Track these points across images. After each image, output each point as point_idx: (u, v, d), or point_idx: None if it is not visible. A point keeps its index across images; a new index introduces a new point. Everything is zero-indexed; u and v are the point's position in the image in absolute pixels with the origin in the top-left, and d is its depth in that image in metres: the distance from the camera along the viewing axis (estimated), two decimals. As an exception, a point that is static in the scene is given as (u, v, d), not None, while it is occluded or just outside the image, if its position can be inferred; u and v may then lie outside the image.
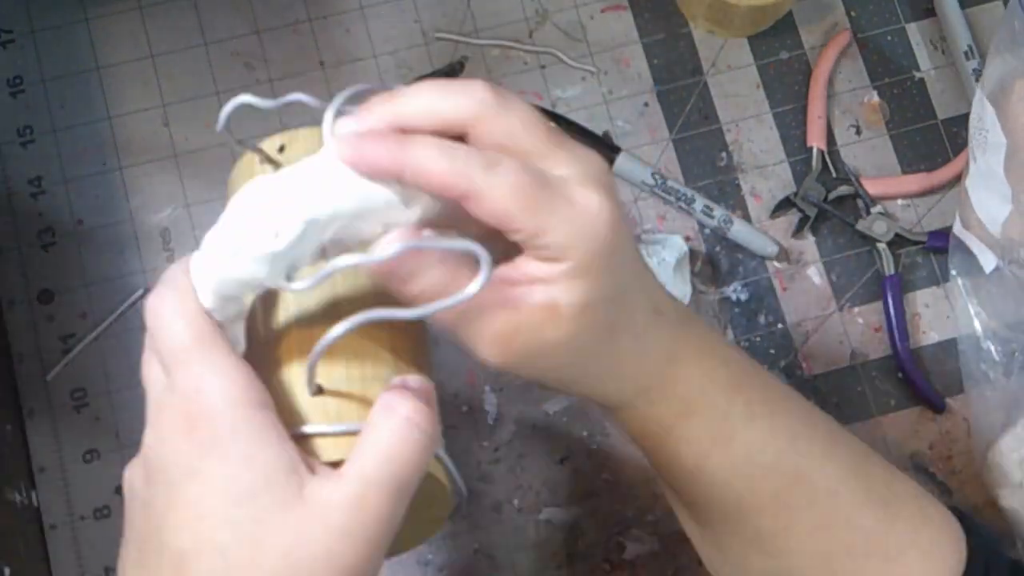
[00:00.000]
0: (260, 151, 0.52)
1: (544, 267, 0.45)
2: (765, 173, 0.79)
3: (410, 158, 0.43)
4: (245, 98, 0.47)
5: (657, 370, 0.50)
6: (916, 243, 0.77)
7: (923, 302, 0.77)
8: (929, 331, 0.77)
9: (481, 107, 0.44)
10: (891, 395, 0.76)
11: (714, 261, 0.77)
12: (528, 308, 0.45)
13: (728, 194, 0.78)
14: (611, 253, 0.45)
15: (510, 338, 0.46)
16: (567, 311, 0.45)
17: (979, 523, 0.56)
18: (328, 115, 0.46)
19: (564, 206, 0.44)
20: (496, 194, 0.43)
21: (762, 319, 0.77)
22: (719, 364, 0.52)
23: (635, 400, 0.51)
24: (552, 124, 0.46)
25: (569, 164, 0.45)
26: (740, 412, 0.51)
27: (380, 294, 0.47)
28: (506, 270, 0.45)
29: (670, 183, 0.77)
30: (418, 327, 0.54)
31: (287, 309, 0.49)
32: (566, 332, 0.45)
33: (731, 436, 0.51)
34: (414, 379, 0.47)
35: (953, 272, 0.76)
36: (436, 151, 0.43)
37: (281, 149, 0.54)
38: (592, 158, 0.47)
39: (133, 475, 0.45)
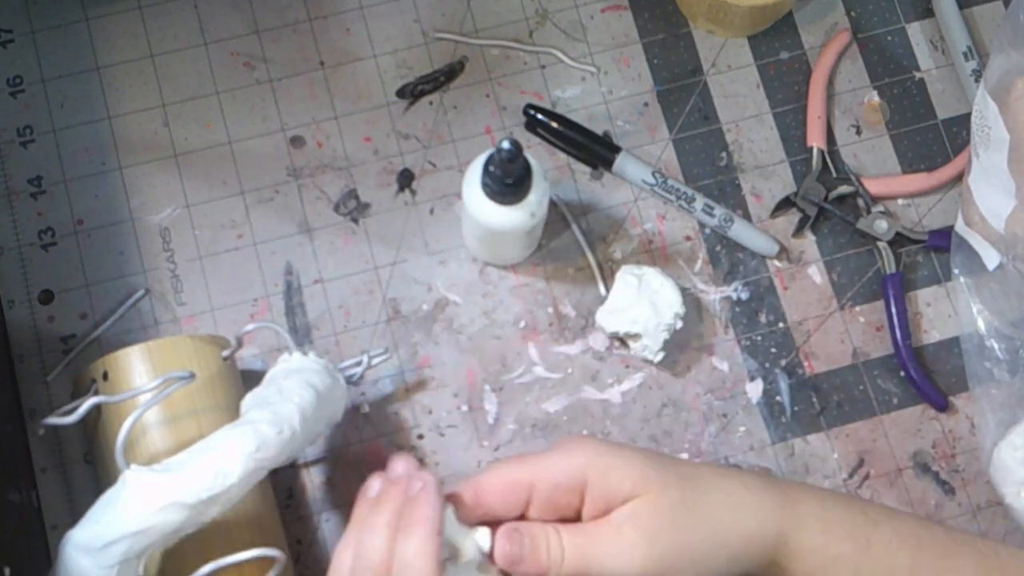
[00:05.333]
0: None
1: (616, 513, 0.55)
2: (765, 173, 0.79)
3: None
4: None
5: (766, 526, 0.56)
6: (917, 242, 0.77)
7: (925, 301, 0.77)
8: (931, 330, 0.77)
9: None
10: (893, 394, 0.76)
11: (715, 260, 0.77)
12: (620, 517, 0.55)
13: (728, 194, 0.78)
14: (656, 460, 0.56)
15: (626, 543, 0.54)
16: (647, 505, 0.55)
17: None
18: None
19: (615, 462, 0.55)
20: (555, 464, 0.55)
21: (763, 318, 0.76)
22: (823, 502, 0.57)
23: (769, 559, 0.56)
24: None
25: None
26: (863, 521, 0.57)
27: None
28: (591, 509, 0.56)
29: (671, 182, 0.77)
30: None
31: None
32: (655, 518, 0.54)
33: (867, 544, 0.56)
34: None
35: (955, 270, 0.76)
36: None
37: (105, 376, 0.67)
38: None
39: None
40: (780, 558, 0.56)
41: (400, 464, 0.57)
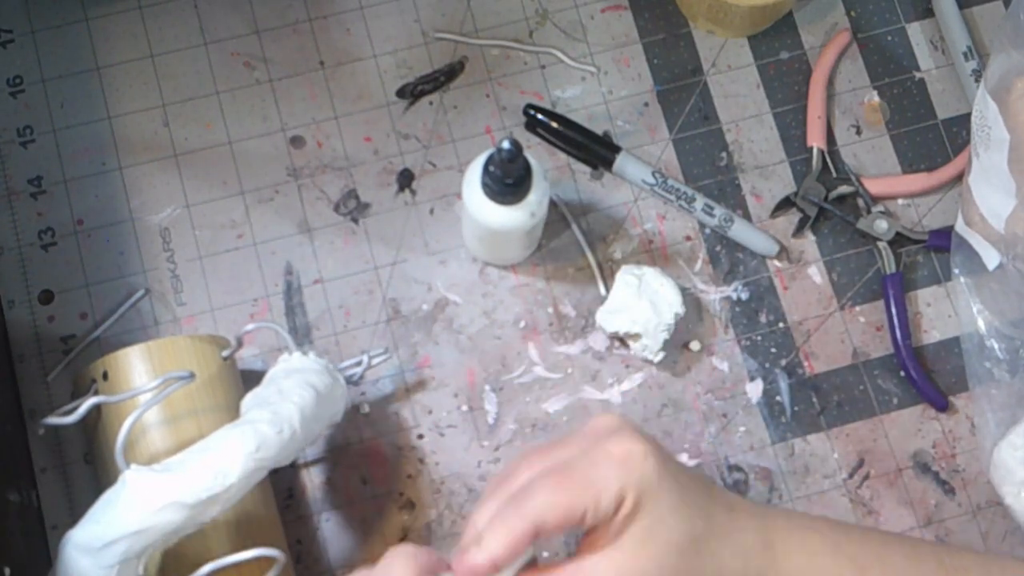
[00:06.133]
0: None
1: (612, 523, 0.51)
2: (765, 173, 0.79)
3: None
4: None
5: (759, 562, 0.53)
6: (917, 242, 0.77)
7: (925, 301, 0.77)
8: (931, 330, 0.77)
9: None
10: (893, 394, 0.76)
11: (715, 260, 0.77)
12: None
13: (728, 194, 0.78)
14: (661, 474, 0.51)
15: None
16: (643, 534, 0.50)
17: None
18: None
19: (604, 462, 0.51)
20: (542, 505, 0.50)
21: (763, 318, 0.76)
22: (812, 534, 0.55)
23: None
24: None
25: (586, 435, 0.53)
26: (851, 571, 0.55)
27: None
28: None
29: (671, 182, 0.77)
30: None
31: None
32: (656, 552, 0.50)
33: None
34: None
35: (955, 270, 0.76)
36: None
37: (105, 376, 0.66)
38: (603, 419, 0.53)
39: None
40: None
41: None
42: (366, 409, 0.74)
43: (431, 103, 0.79)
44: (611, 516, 0.51)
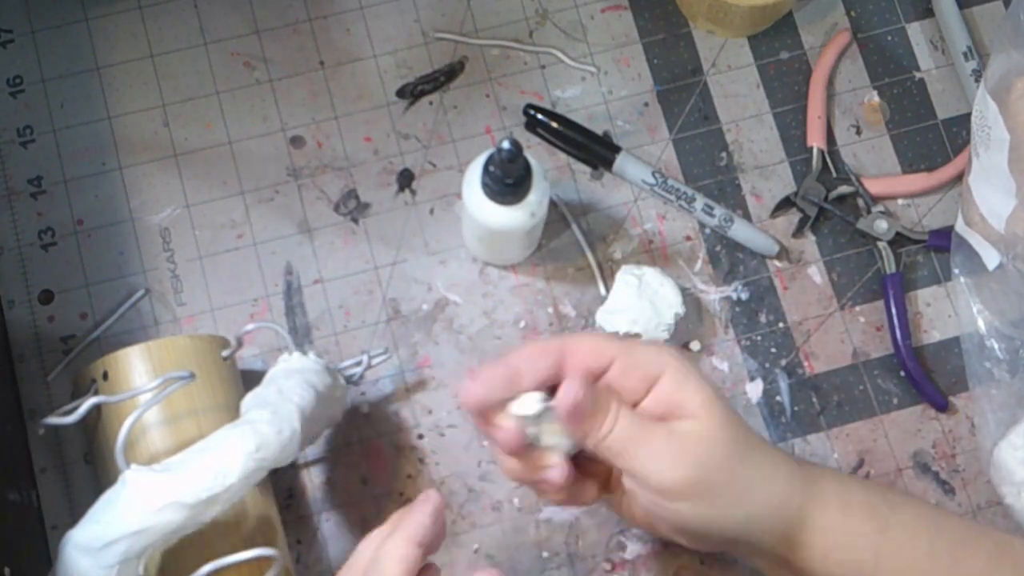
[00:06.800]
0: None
1: (676, 423, 0.56)
2: (765, 173, 0.79)
3: (566, 347, 0.57)
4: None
5: (791, 499, 0.57)
6: (917, 242, 0.77)
7: (925, 301, 0.77)
8: (931, 330, 0.77)
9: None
10: (893, 394, 0.76)
11: (715, 260, 0.77)
12: (677, 427, 0.56)
13: (728, 194, 0.78)
14: (724, 400, 0.57)
15: (674, 454, 0.55)
16: (707, 431, 0.55)
17: None
18: None
19: (692, 375, 0.56)
20: (640, 349, 0.57)
21: (763, 318, 0.76)
22: (844, 483, 0.59)
23: (786, 534, 0.57)
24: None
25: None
26: (882, 504, 0.58)
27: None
28: (650, 405, 0.57)
29: (671, 182, 0.77)
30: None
31: None
32: (708, 446, 0.55)
33: (885, 526, 0.57)
34: None
35: (955, 270, 0.76)
36: (582, 338, 0.58)
37: (105, 376, 0.66)
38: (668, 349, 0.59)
39: None
40: (797, 533, 0.56)
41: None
42: (366, 409, 0.74)
43: (431, 103, 0.79)
44: (641, 382, 0.56)
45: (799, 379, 0.76)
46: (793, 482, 0.57)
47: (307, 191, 0.77)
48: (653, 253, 0.77)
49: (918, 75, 0.81)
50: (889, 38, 0.82)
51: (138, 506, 0.57)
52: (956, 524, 0.59)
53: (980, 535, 0.59)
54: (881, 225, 0.77)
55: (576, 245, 0.77)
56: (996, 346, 0.74)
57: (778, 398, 0.75)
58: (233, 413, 0.65)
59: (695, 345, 0.76)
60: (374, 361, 0.72)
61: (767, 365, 0.76)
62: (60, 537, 0.58)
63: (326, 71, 0.79)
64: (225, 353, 0.69)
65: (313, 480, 0.73)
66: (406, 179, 0.78)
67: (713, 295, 0.77)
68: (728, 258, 0.77)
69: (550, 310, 0.76)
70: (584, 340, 0.57)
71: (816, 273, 0.77)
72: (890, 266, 0.77)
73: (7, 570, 0.62)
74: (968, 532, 0.58)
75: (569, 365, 0.56)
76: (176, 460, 0.59)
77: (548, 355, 0.56)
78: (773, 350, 0.76)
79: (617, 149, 0.77)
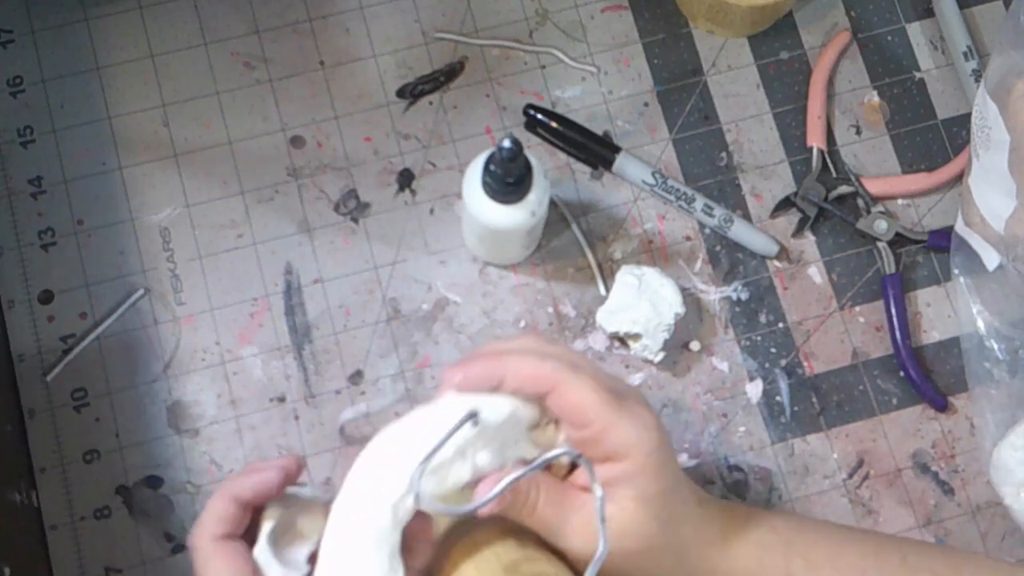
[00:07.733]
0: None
1: (607, 467, 0.54)
2: (765, 173, 0.79)
3: (507, 365, 0.54)
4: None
5: (714, 553, 0.57)
6: (917, 242, 0.77)
7: (924, 301, 0.77)
8: (931, 330, 0.77)
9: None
10: (893, 394, 0.76)
11: (715, 260, 0.77)
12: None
13: (728, 194, 0.78)
14: (662, 455, 0.55)
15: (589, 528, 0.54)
16: (631, 504, 0.54)
17: None
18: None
19: (628, 411, 0.54)
20: (578, 387, 0.53)
21: (763, 318, 0.76)
22: (767, 531, 0.59)
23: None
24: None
25: (626, 388, 0.57)
26: (800, 567, 0.58)
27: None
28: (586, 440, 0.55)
29: (670, 182, 0.77)
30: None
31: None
32: (631, 521, 0.54)
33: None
34: None
35: (955, 271, 0.76)
36: (528, 357, 0.55)
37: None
38: (636, 390, 0.59)
39: None
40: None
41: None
42: (366, 409, 0.74)
43: (431, 103, 0.79)
44: (574, 418, 0.54)
45: (799, 379, 0.76)
46: (713, 544, 0.57)
47: (307, 191, 0.77)
48: (653, 253, 0.77)
49: (918, 75, 0.81)
50: (889, 38, 0.82)
51: None
52: (892, 554, 0.60)
53: (888, 547, 0.60)
54: (881, 225, 0.77)
55: (576, 245, 0.77)
56: (996, 346, 0.74)
57: (778, 398, 0.75)
58: None
59: (695, 345, 0.76)
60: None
61: (767, 365, 0.76)
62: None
63: (326, 71, 0.79)
64: None
65: (313, 480, 0.73)
66: (406, 179, 0.78)
67: (713, 295, 0.77)
68: (728, 258, 0.77)
69: (550, 310, 0.76)
70: (525, 364, 0.54)
71: (816, 273, 0.77)
72: (890, 266, 0.77)
73: (7, 570, 0.62)
74: (903, 564, 0.59)
75: (508, 385, 0.54)
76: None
77: (490, 374, 0.54)
78: (773, 350, 0.76)
79: (617, 149, 0.77)
